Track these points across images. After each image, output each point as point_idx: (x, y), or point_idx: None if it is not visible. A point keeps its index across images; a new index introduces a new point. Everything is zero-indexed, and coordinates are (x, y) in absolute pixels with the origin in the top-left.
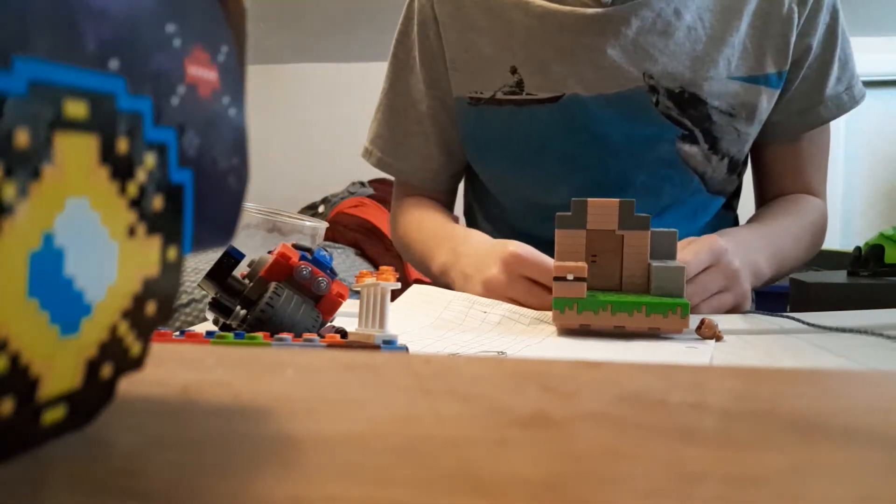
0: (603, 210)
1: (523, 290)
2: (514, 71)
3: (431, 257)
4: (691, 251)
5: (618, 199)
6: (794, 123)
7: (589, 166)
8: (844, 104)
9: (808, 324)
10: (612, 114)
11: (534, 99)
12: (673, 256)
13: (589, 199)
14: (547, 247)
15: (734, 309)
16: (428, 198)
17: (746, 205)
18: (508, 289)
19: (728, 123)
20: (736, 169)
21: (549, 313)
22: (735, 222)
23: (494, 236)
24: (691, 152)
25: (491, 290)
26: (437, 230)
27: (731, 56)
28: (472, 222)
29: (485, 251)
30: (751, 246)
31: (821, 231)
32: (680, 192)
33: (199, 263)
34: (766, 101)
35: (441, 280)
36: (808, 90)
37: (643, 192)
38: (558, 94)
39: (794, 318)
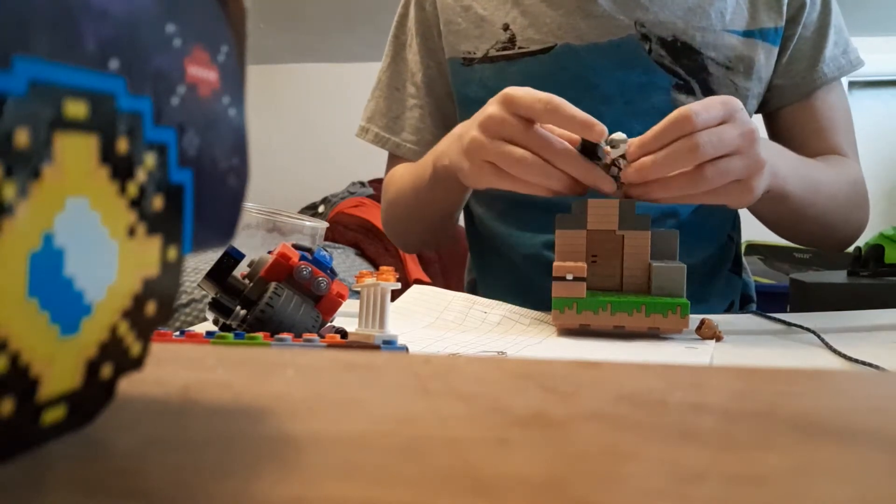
0: (603, 210)
1: (520, 125)
2: (506, 27)
3: (427, 162)
4: (702, 102)
5: (618, 199)
6: (798, 84)
7: None
8: (843, 66)
9: (806, 329)
10: (605, 62)
11: (526, 52)
12: (674, 257)
13: (589, 199)
14: (547, 215)
15: (745, 182)
16: None
17: None
18: (504, 125)
19: (725, 76)
20: None
21: (549, 314)
22: None
23: (488, 217)
24: (688, 103)
25: (485, 129)
26: (426, 155)
27: (724, 9)
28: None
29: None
30: (772, 148)
31: (862, 192)
32: None
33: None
34: (764, 57)
35: (438, 174)
36: (807, 51)
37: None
38: (550, 44)
39: (793, 325)
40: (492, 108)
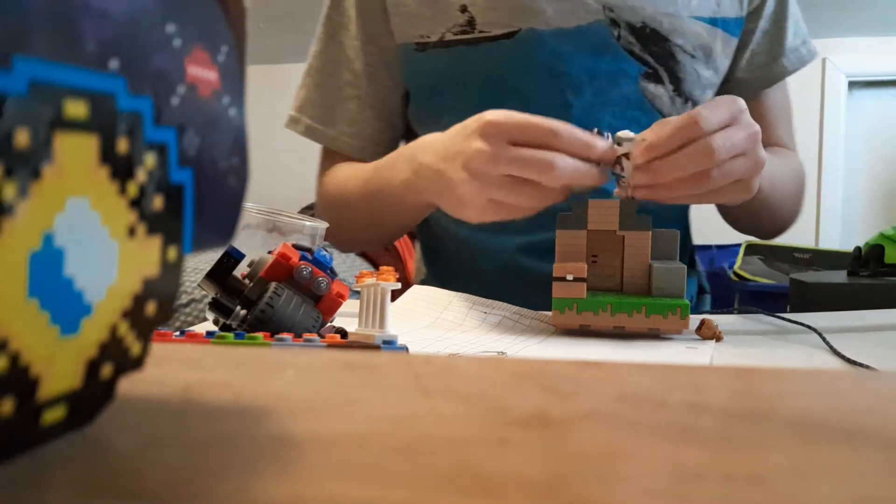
0: (604, 210)
1: (511, 157)
2: (463, 9)
3: (385, 182)
4: (707, 106)
5: (619, 200)
6: (760, 77)
7: (551, 106)
8: (803, 57)
9: (806, 326)
10: (573, 49)
11: (487, 36)
12: (674, 257)
13: (590, 199)
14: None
15: (745, 182)
16: None
17: None
18: (495, 161)
19: (690, 65)
20: None
21: (549, 314)
22: None
23: (446, 222)
24: (657, 93)
25: (475, 171)
26: (377, 164)
27: None
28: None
29: (450, 137)
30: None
31: (803, 184)
32: None
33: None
34: (721, 47)
35: (407, 202)
36: (769, 44)
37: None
38: (514, 29)
39: (797, 323)
40: (475, 143)
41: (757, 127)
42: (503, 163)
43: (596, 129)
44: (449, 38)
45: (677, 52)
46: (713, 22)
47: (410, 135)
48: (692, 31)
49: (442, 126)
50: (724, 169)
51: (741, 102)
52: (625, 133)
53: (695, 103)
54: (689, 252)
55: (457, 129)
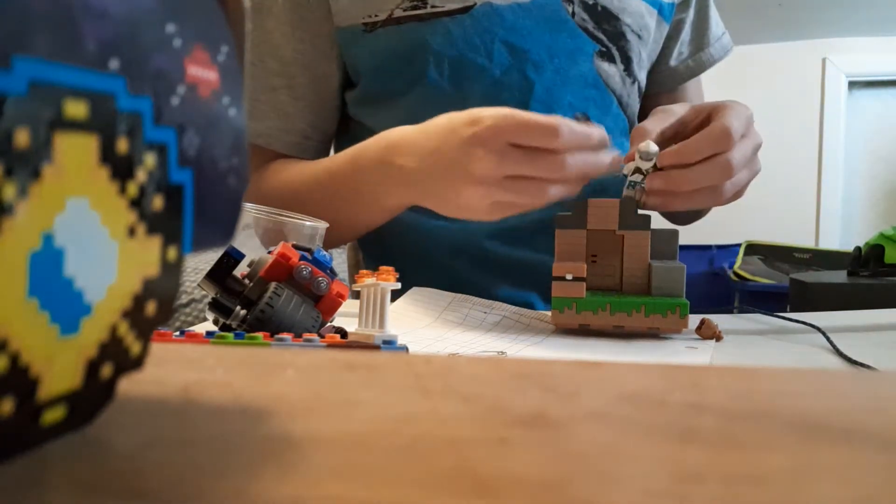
0: (603, 210)
1: (517, 160)
2: None
3: (348, 187)
4: (731, 114)
5: (618, 199)
6: (691, 66)
7: (513, 84)
8: (725, 46)
9: (811, 325)
10: (531, 24)
11: (440, 11)
12: (674, 256)
13: (589, 199)
14: None
15: (741, 190)
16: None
17: None
18: (500, 168)
19: (637, 45)
20: (641, 98)
21: (549, 313)
22: None
23: (416, 221)
24: (610, 72)
25: (480, 179)
26: (328, 166)
27: None
28: None
29: (434, 138)
30: None
31: None
32: (603, 117)
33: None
34: (655, 30)
35: (379, 206)
36: (695, 34)
37: (571, 114)
38: (469, 3)
39: (801, 322)
40: (479, 152)
41: (761, 139)
42: (509, 167)
43: (576, 115)
44: (399, 15)
45: (627, 32)
46: (653, 4)
47: (346, 124)
48: (637, 11)
49: (396, 111)
50: (734, 182)
51: (750, 112)
52: (651, 147)
53: (640, 85)
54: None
55: (441, 127)
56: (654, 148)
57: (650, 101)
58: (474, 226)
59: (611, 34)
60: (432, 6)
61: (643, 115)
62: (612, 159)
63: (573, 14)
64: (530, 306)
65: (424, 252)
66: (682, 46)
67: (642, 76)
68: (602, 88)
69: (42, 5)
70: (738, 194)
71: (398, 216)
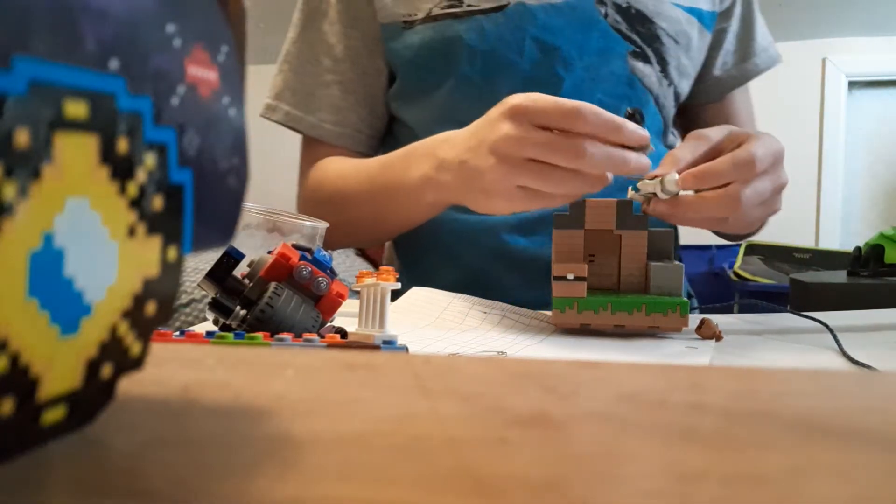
0: (601, 210)
1: (537, 140)
2: None
3: (397, 180)
4: (761, 144)
5: (616, 199)
6: (735, 75)
7: (542, 80)
8: (773, 57)
9: (821, 322)
10: (563, 23)
11: (475, 9)
12: (669, 256)
13: (587, 199)
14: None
15: (753, 223)
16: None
17: None
18: (521, 144)
19: (674, 49)
20: (677, 106)
21: (549, 313)
22: None
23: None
24: (646, 71)
25: (503, 155)
26: (382, 160)
27: None
28: None
29: (472, 130)
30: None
31: None
32: None
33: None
34: (698, 38)
35: (422, 201)
36: (740, 44)
37: None
38: (503, 3)
39: (810, 318)
40: (503, 126)
41: (786, 179)
42: (530, 145)
43: (628, 110)
44: (436, 13)
45: (662, 35)
46: (691, 11)
47: (393, 122)
48: (673, 16)
49: (430, 105)
50: (742, 216)
51: (782, 149)
52: (672, 185)
53: (676, 89)
54: (676, 252)
55: (480, 120)
56: (675, 189)
57: (697, 110)
58: (495, 219)
59: (645, 36)
60: (468, 5)
61: (689, 122)
62: (637, 164)
63: (606, 15)
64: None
65: (454, 249)
66: (727, 56)
67: (682, 82)
68: (638, 87)
69: (42, 5)
70: (748, 227)
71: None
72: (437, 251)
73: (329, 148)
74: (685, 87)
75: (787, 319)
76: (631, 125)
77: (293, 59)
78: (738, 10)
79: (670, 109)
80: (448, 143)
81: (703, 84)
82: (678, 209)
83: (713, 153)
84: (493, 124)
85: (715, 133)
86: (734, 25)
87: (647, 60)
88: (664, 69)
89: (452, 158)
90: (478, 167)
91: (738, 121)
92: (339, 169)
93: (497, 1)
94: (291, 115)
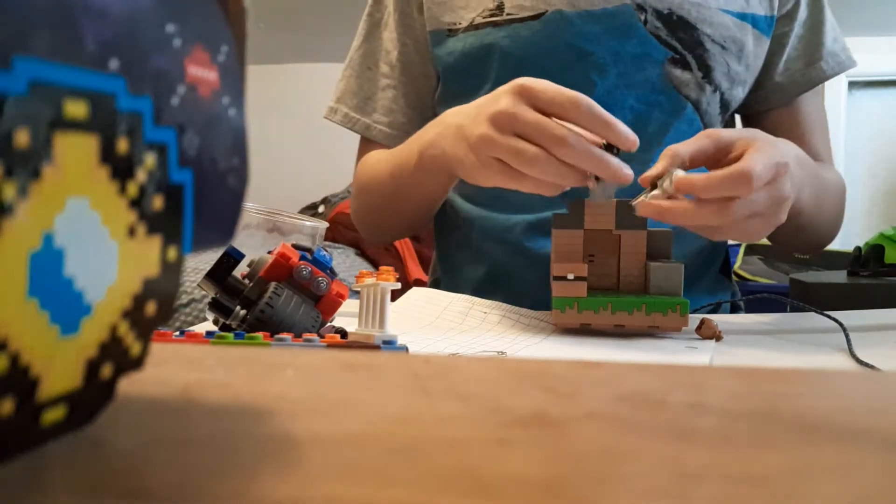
0: (600, 210)
1: (528, 119)
2: None
3: (411, 149)
4: (762, 160)
5: (615, 200)
6: (799, 80)
7: (574, 84)
8: (843, 62)
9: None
10: (599, 30)
11: (514, 18)
12: (668, 256)
13: (586, 199)
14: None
15: (745, 235)
16: None
17: None
18: (513, 119)
19: (721, 55)
20: (727, 111)
21: (549, 313)
22: None
23: (455, 195)
24: (684, 79)
25: (496, 123)
26: (407, 141)
27: None
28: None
29: (482, 99)
30: (808, 170)
31: (843, 199)
32: (670, 119)
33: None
34: (753, 44)
35: (426, 168)
36: (806, 47)
37: (632, 117)
38: (540, 11)
39: (824, 314)
40: (505, 100)
41: (787, 194)
42: (520, 122)
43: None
44: (478, 22)
45: (706, 41)
46: (742, 17)
47: None
48: (720, 23)
49: None
50: (733, 227)
51: (786, 165)
52: (671, 185)
53: (723, 96)
54: (722, 258)
55: (488, 94)
56: (672, 189)
57: (764, 116)
58: (514, 219)
59: (686, 42)
60: (508, 14)
61: (762, 129)
62: (618, 169)
63: (645, 22)
64: None
65: (479, 246)
66: (790, 61)
67: (734, 89)
68: (672, 94)
69: (42, 5)
70: (745, 237)
71: (463, 212)
72: (468, 247)
73: (381, 147)
74: (739, 93)
75: (787, 319)
76: (622, 126)
77: (355, 66)
78: (802, 14)
79: (715, 116)
80: (456, 111)
81: (764, 90)
82: (666, 214)
83: (720, 153)
84: (497, 97)
85: (727, 133)
86: (798, 30)
87: (686, 67)
88: (707, 75)
89: (454, 123)
90: (471, 132)
91: (804, 127)
92: (377, 158)
93: (535, 10)
94: (348, 117)
